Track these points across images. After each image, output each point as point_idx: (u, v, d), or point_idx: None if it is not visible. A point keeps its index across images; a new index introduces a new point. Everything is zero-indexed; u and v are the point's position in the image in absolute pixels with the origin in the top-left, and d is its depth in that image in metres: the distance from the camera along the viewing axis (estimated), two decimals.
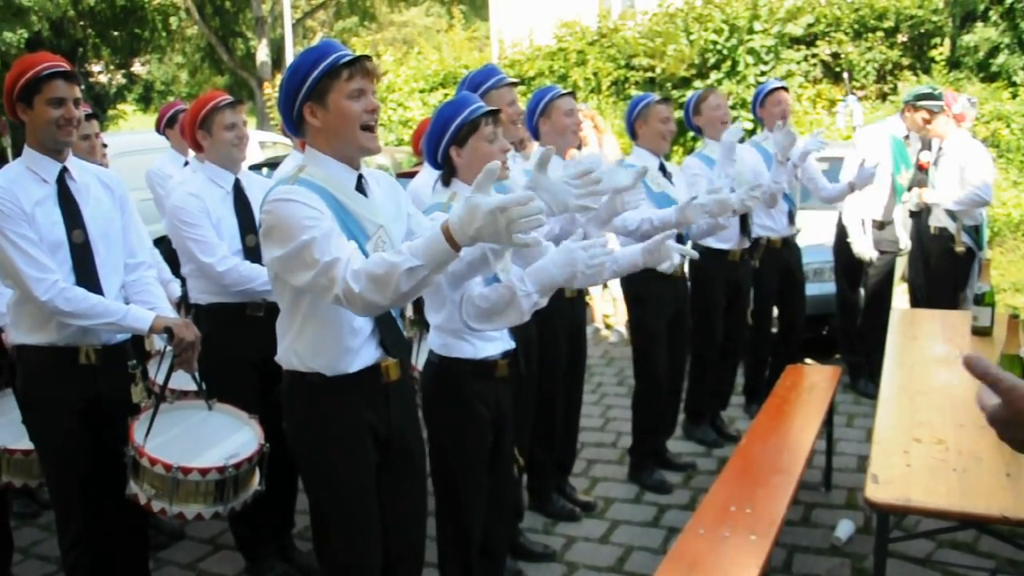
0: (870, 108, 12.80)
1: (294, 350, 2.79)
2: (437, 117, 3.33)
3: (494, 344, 3.35)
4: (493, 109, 3.33)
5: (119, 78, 31.32)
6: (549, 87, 4.62)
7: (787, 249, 6.05)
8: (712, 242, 5.43)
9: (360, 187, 2.77)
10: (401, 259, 2.37)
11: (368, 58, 2.70)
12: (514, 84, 4.15)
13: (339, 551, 2.89)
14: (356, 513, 2.85)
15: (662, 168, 5.04)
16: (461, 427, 3.30)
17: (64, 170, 3.32)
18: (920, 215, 6.37)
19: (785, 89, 6.00)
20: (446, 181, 3.36)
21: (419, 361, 4.02)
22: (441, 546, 3.46)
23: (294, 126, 2.75)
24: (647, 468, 5.17)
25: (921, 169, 6.39)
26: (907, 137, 6.37)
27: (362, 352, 2.78)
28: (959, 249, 6.10)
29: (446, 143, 3.28)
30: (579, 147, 7.65)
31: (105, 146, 5.22)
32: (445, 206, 3.15)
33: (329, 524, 2.88)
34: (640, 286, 4.96)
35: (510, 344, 3.42)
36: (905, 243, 6.50)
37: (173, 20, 29.65)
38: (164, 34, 30.02)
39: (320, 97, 2.66)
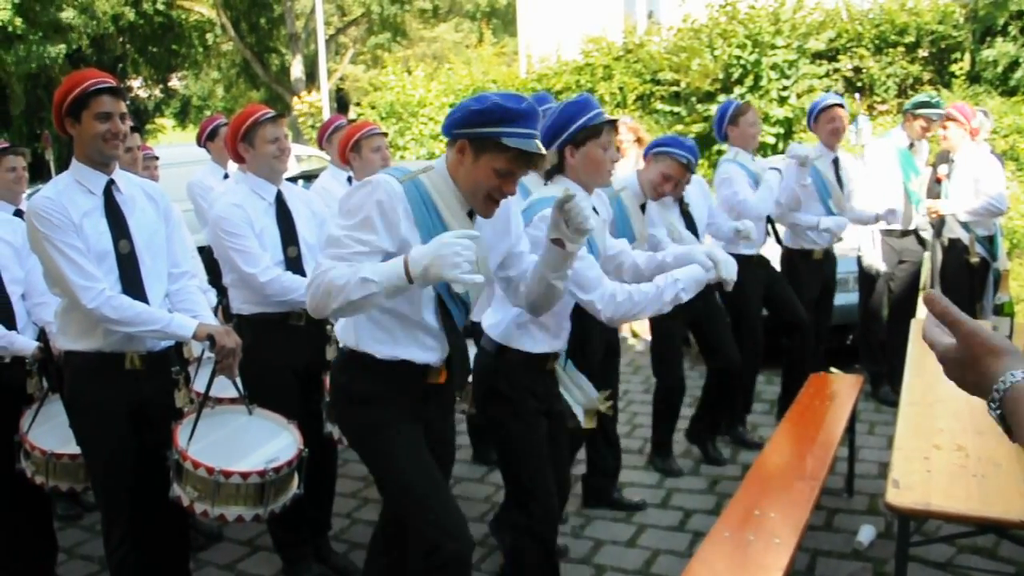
0: (891, 122, 12.82)
1: (354, 327, 2.92)
2: (561, 112, 3.41)
3: (552, 342, 3.47)
4: (614, 119, 3.45)
5: (157, 93, 31.81)
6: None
7: (827, 261, 6.14)
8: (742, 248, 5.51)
9: (469, 213, 2.85)
10: (362, 271, 2.60)
11: (542, 157, 2.75)
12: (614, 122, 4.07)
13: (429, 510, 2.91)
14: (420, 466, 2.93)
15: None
16: (516, 415, 3.41)
17: (111, 182, 3.40)
18: (934, 227, 6.45)
19: (841, 106, 6.03)
20: (549, 176, 3.49)
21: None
22: (513, 529, 3.54)
23: (448, 134, 2.79)
24: (660, 454, 5.46)
25: (938, 182, 6.46)
26: (911, 145, 6.44)
27: (424, 351, 2.91)
28: (974, 260, 6.16)
29: (563, 140, 3.39)
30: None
31: (156, 158, 5.38)
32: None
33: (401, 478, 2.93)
34: None
35: (564, 344, 3.54)
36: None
37: (209, 36, 30.20)
38: (201, 50, 30.54)
39: (479, 148, 2.71)
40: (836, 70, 14.47)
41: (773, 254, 6.04)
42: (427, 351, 2.93)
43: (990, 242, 6.31)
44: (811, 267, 6.05)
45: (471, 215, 2.86)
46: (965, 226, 6.25)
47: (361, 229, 2.68)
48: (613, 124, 3.46)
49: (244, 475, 3.26)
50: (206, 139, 6.53)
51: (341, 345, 3.01)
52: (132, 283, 3.39)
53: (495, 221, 2.97)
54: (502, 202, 2.89)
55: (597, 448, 4.88)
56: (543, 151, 2.74)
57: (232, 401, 3.78)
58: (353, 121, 5.98)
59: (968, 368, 1.37)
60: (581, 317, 3.58)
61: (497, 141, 2.67)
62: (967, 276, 6.27)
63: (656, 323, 5.26)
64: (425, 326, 2.89)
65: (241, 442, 3.51)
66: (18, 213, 4.65)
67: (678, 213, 5.17)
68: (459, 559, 2.89)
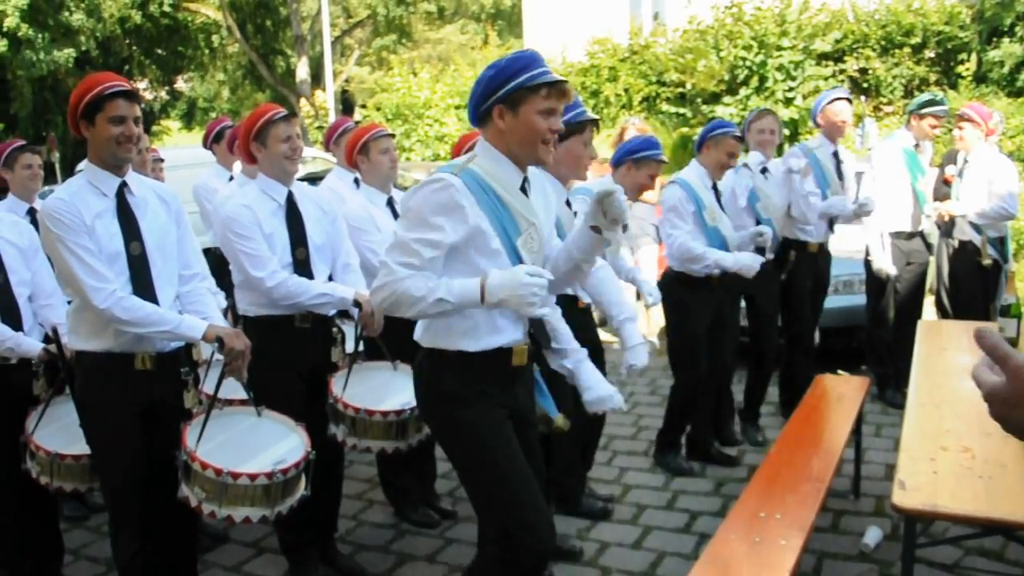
0: (897, 123, 12.86)
1: (435, 326, 2.99)
2: None
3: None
4: (595, 119, 3.66)
5: (163, 95, 31.88)
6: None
7: (822, 256, 6.15)
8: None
9: (523, 187, 2.96)
10: (439, 291, 2.78)
11: (566, 82, 2.88)
12: (596, 121, 4.29)
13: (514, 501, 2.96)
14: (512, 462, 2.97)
15: (714, 187, 5.35)
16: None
17: (123, 184, 3.42)
18: (942, 228, 6.44)
19: (848, 100, 6.15)
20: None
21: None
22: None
23: (476, 118, 2.95)
24: (671, 452, 5.48)
25: (946, 183, 6.45)
26: (917, 146, 6.45)
27: (505, 332, 2.97)
28: (986, 262, 6.17)
29: None
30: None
31: (162, 160, 5.42)
32: None
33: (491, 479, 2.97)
34: (680, 292, 5.20)
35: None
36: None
37: (215, 38, 30.22)
38: (207, 52, 30.59)
39: (514, 104, 2.84)
40: (842, 71, 14.51)
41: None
42: (510, 332, 2.99)
43: (1001, 243, 6.30)
44: (804, 261, 6.06)
45: (523, 190, 2.97)
46: (976, 228, 6.24)
47: (427, 230, 2.80)
48: (595, 123, 3.70)
49: (252, 476, 3.28)
50: (212, 141, 6.53)
51: (420, 343, 3.06)
52: (143, 284, 3.41)
53: (543, 192, 3.12)
54: (538, 174, 3.09)
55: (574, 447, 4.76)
56: (563, 78, 2.89)
57: (241, 403, 3.78)
58: (359, 123, 6.00)
59: (1015, 407, 1.30)
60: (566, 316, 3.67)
61: (527, 87, 2.81)
62: (979, 278, 6.28)
63: (680, 321, 5.33)
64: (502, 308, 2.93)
65: (249, 443, 3.52)
66: (31, 211, 4.71)
67: (710, 185, 5.37)
68: (535, 552, 2.96)
